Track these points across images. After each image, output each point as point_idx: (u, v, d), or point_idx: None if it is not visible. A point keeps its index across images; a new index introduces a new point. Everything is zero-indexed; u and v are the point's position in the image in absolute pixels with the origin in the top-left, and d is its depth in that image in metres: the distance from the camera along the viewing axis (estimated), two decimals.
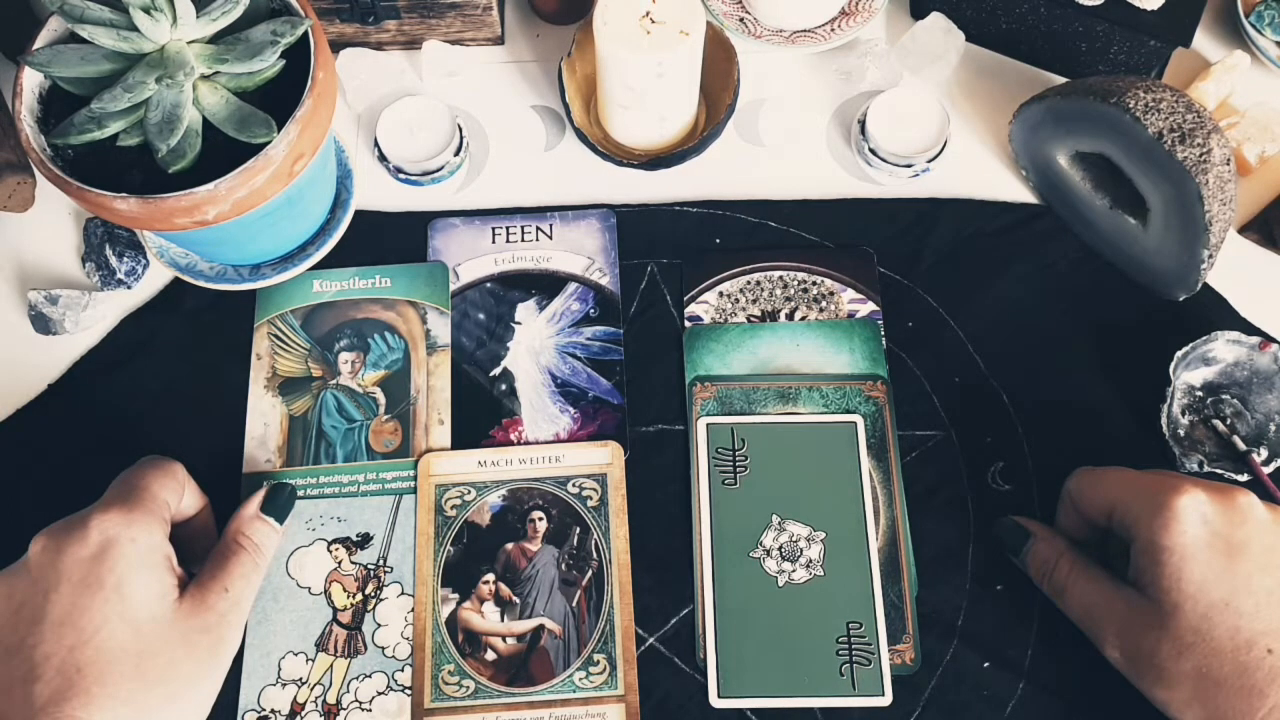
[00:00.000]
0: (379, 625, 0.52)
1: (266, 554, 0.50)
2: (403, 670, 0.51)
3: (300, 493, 0.55)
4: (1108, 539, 0.50)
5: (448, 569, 0.53)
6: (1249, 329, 0.58)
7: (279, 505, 0.51)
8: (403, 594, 0.53)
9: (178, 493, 0.48)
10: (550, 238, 0.61)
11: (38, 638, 0.42)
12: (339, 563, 0.53)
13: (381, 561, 0.54)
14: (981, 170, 0.63)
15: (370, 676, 0.51)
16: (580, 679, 0.51)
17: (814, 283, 0.60)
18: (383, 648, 0.52)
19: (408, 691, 0.51)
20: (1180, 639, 0.44)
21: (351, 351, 0.58)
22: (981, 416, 0.57)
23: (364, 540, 0.54)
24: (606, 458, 0.56)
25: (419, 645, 0.52)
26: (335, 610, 0.53)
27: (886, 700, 0.50)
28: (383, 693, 0.51)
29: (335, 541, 0.54)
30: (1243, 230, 0.62)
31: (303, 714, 0.51)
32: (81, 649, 0.41)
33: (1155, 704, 0.45)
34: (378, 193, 0.62)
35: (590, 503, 0.55)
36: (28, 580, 0.44)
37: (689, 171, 0.62)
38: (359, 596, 0.53)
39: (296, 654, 0.52)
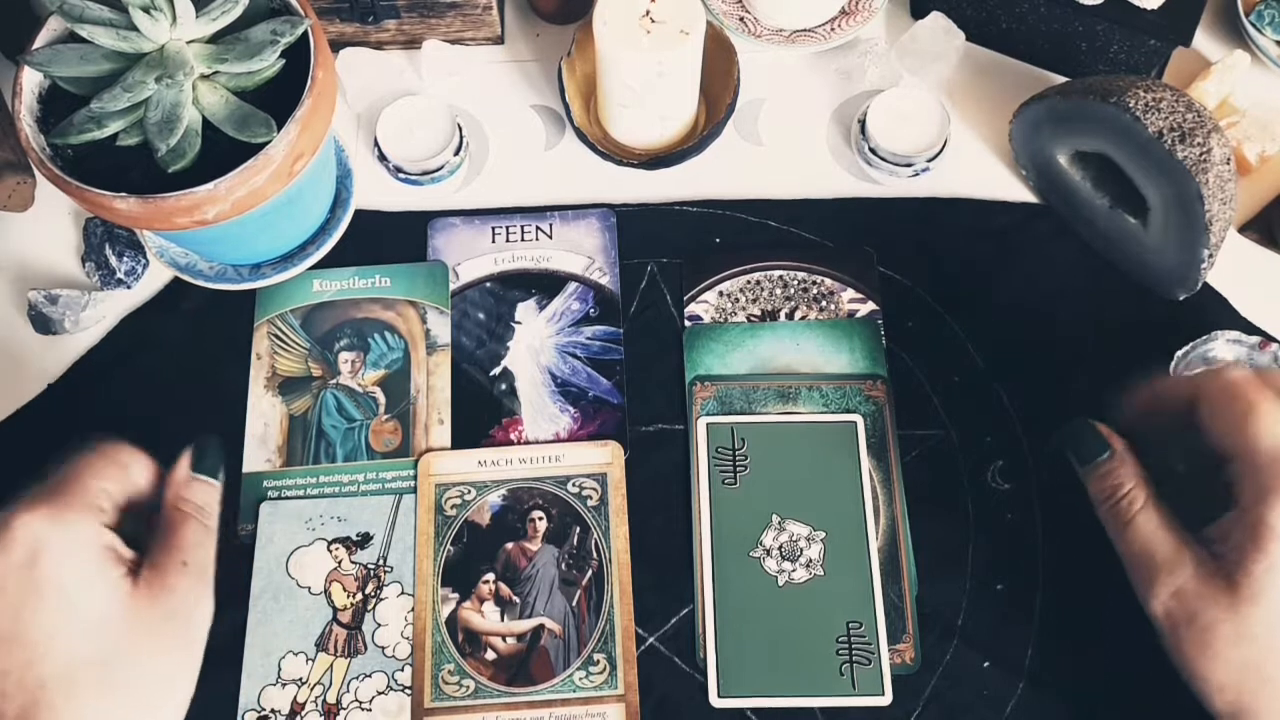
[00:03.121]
0: (379, 625, 0.52)
1: (213, 514, 0.46)
2: (403, 670, 0.51)
3: (300, 492, 0.55)
4: (1172, 466, 0.46)
5: (448, 569, 0.53)
6: (1249, 329, 0.58)
7: (210, 460, 0.47)
8: (403, 594, 0.53)
9: (118, 477, 0.44)
10: (550, 237, 0.61)
11: None
12: (339, 562, 0.53)
13: (381, 561, 0.53)
14: (981, 170, 0.63)
15: (370, 676, 0.51)
16: (580, 679, 0.51)
17: (814, 282, 0.60)
18: (383, 647, 0.52)
19: (408, 691, 0.51)
20: (1247, 627, 0.41)
21: (351, 351, 0.58)
22: (981, 416, 0.57)
23: (364, 540, 0.54)
24: (606, 457, 0.55)
25: (419, 645, 0.52)
26: (335, 610, 0.53)
27: (886, 700, 0.50)
28: (383, 692, 0.51)
29: (335, 541, 0.54)
30: (1243, 230, 0.62)
31: (303, 714, 0.51)
32: (37, 664, 0.39)
33: (1179, 665, 0.43)
34: (378, 192, 0.62)
35: (590, 502, 0.55)
36: None
37: (689, 171, 0.62)
38: (359, 596, 0.53)
39: (296, 654, 0.52)
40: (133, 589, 0.42)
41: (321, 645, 0.52)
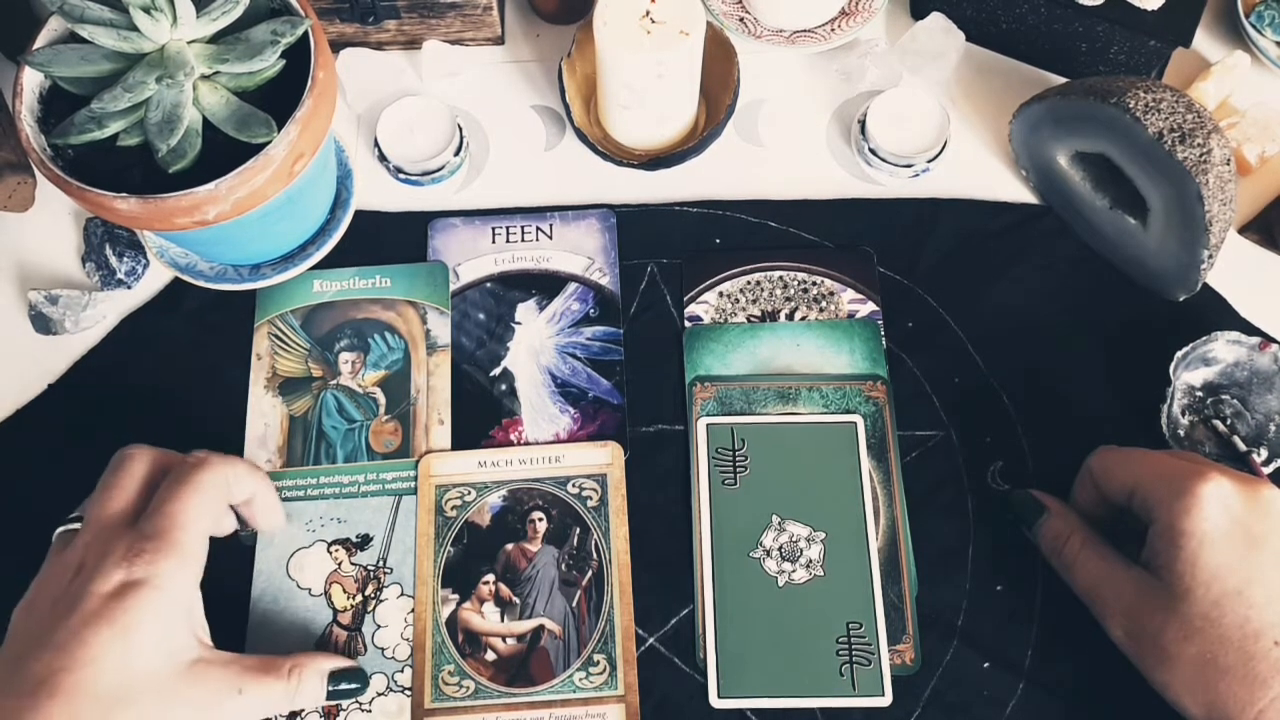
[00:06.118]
0: (379, 626, 0.52)
1: (300, 703, 0.48)
2: (402, 671, 0.51)
3: (300, 493, 0.55)
4: (1121, 519, 0.50)
5: (448, 569, 0.53)
6: (1249, 329, 0.58)
7: (345, 687, 0.49)
8: (402, 595, 0.53)
9: (219, 508, 0.47)
10: (550, 238, 0.61)
11: (37, 655, 0.41)
12: (339, 564, 0.53)
13: (381, 562, 0.53)
14: (981, 170, 0.63)
15: (370, 678, 0.51)
16: (580, 679, 0.51)
17: (814, 283, 0.60)
18: (382, 649, 0.52)
19: (407, 692, 0.51)
20: (1188, 623, 0.44)
21: (351, 351, 0.58)
22: (981, 416, 0.57)
23: (364, 541, 0.54)
24: (606, 458, 0.55)
25: (419, 645, 0.52)
26: (335, 612, 0.53)
27: (886, 700, 0.50)
28: (382, 694, 0.51)
29: (335, 543, 0.54)
30: (1243, 230, 0.62)
31: (303, 715, 0.51)
32: (65, 675, 0.41)
33: (1155, 686, 0.46)
34: (378, 193, 0.62)
35: (590, 503, 0.55)
36: (66, 572, 0.44)
37: (689, 171, 0.62)
38: (359, 598, 0.53)
39: None
40: (187, 663, 0.44)
41: (322, 647, 0.52)
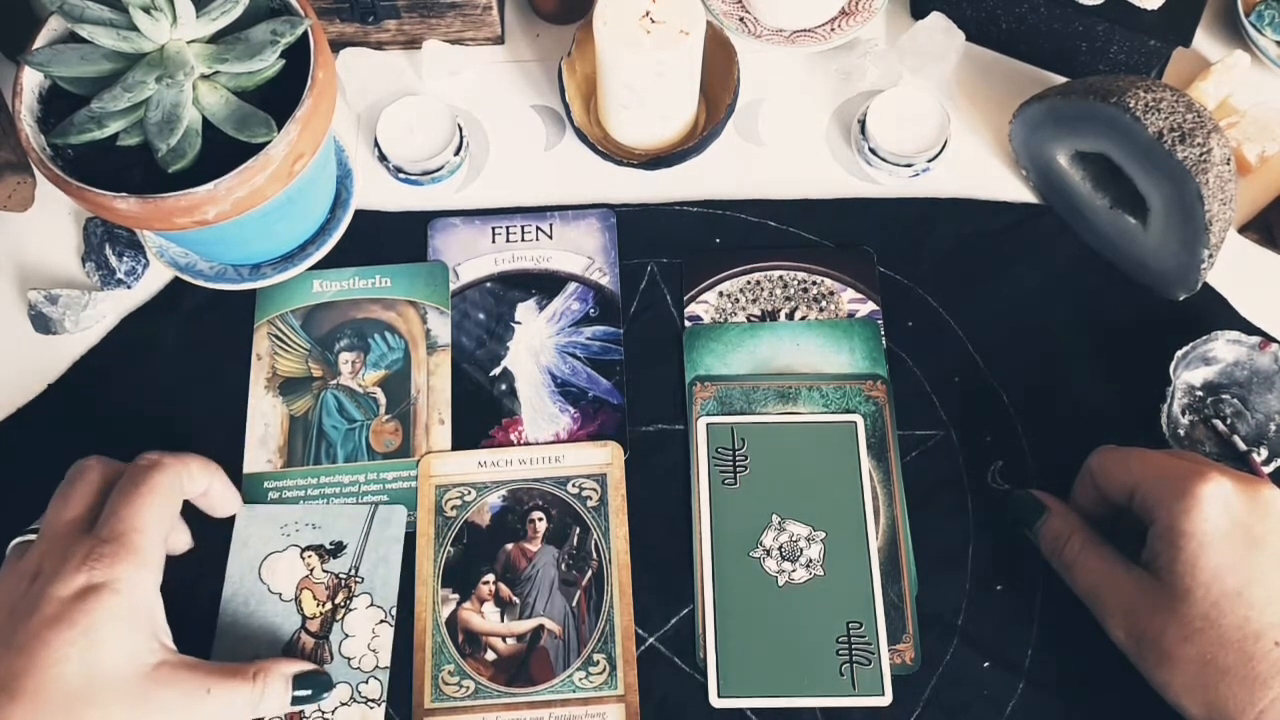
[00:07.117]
0: (346, 635, 0.52)
1: (264, 709, 0.47)
2: (367, 682, 0.51)
3: (301, 494, 0.55)
4: (1121, 519, 0.50)
5: (448, 569, 0.53)
6: (1249, 329, 0.58)
7: (309, 691, 0.49)
8: (372, 605, 0.52)
9: (174, 509, 0.47)
10: (550, 237, 0.61)
11: None
12: (311, 570, 0.53)
13: (353, 571, 0.53)
14: (981, 170, 0.63)
15: (335, 686, 0.51)
16: (580, 679, 0.51)
17: (814, 282, 0.60)
18: (349, 658, 0.51)
19: (371, 704, 0.50)
20: (1188, 624, 0.44)
21: (352, 351, 0.58)
22: (981, 416, 0.57)
23: (337, 549, 0.54)
24: (606, 458, 0.55)
25: (419, 645, 0.52)
26: (305, 618, 0.52)
27: (886, 700, 0.50)
28: (346, 704, 0.50)
29: (308, 549, 0.53)
30: (1243, 230, 0.62)
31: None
32: (25, 677, 0.40)
33: (1155, 686, 0.46)
34: (378, 192, 0.62)
35: (590, 503, 0.55)
36: (23, 580, 0.43)
37: (689, 171, 0.62)
38: (329, 605, 0.52)
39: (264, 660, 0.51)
40: (151, 666, 0.43)
41: (289, 652, 0.51)
